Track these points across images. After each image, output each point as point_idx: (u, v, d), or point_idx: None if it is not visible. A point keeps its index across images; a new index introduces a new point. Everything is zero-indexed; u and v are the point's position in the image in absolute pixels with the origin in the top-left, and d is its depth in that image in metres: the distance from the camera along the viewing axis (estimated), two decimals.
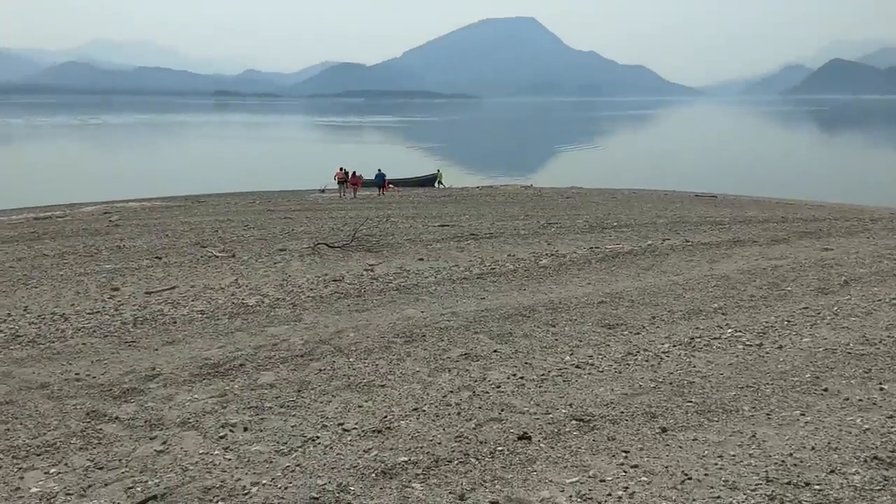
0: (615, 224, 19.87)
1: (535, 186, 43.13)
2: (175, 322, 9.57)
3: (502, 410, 6.02)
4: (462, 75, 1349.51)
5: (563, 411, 5.96)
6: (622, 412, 5.90)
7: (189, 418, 6.10)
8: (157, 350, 8.25)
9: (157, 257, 14.91)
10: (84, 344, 8.57)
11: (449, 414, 5.98)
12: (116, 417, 6.16)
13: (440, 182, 45.96)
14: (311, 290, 11.48)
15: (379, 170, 41.37)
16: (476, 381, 6.80)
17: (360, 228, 17.87)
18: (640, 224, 19.90)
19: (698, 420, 5.72)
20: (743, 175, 53.51)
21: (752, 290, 10.36)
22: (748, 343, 7.77)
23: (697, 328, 8.43)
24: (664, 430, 5.51)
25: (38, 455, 5.50)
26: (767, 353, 7.41)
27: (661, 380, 6.64)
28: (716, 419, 5.74)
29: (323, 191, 39.76)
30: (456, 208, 26.76)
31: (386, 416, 5.97)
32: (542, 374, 6.90)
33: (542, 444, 5.33)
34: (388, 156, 68.36)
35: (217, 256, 14.99)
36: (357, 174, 38.37)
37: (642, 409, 5.94)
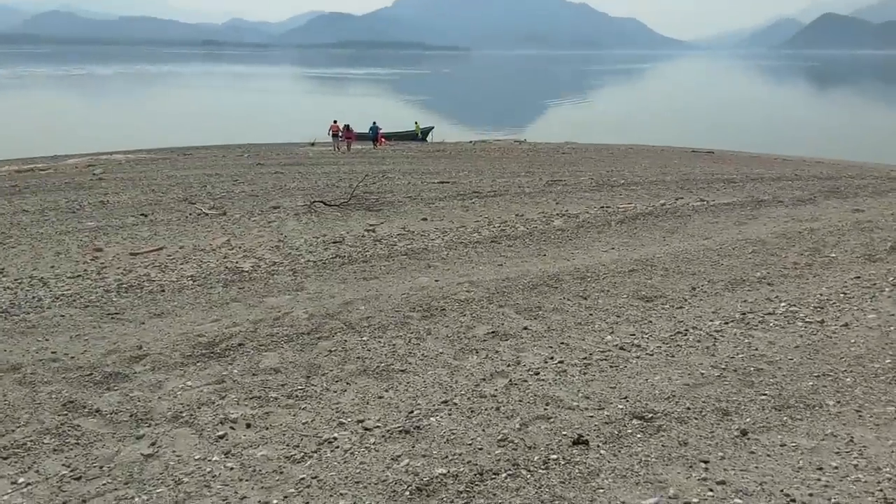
0: (622, 182, 18.99)
1: (528, 141, 42.15)
2: (163, 290, 8.67)
3: (548, 405, 5.15)
4: (452, 26, 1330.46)
5: (619, 406, 5.08)
6: (688, 408, 5.03)
7: (182, 411, 5.22)
8: (143, 324, 7.35)
9: (142, 214, 13.96)
10: (62, 316, 7.67)
11: (486, 409, 5.11)
12: (97, 410, 5.28)
13: (420, 134, 45.40)
14: (311, 252, 10.59)
15: (374, 123, 40.26)
16: (509, 365, 5.93)
17: (357, 185, 16.91)
18: (648, 181, 19.04)
19: (780, 418, 4.87)
20: (736, 131, 52.88)
21: (794, 256, 9.50)
22: (808, 320, 6.90)
23: (745, 301, 7.56)
24: (744, 432, 4.63)
25: (5, 458, 4.63)
26: (834, 332, 6.55)
27: (722, 366, 5.77)
28: (799, 417, 4.89)
29: (313, 144, 38.59)
30: (453, 164, 25.78)
31: (412, 412, 5.10)
32: (584, 358, 6.03)
33: (602, 451, 4.47)
34: (380, 108, 66.93)
35: (206, 214, 14.03)
36: (350, 128, 37.22)
37: (711, 405, 5.08)
